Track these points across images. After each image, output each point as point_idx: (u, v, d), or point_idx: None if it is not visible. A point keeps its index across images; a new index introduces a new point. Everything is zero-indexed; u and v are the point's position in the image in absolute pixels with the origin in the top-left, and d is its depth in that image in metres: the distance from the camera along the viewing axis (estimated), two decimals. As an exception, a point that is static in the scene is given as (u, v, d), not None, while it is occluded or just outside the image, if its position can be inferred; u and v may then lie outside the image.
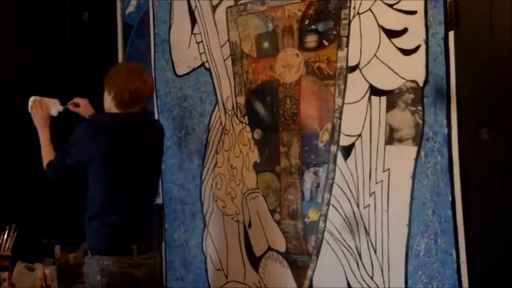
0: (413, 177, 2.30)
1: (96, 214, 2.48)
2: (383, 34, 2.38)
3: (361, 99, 2.44)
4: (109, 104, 2.53)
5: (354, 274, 2.46)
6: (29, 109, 2.73)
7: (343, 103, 2.49)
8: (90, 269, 2.44)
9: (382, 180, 2.39)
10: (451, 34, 2.23)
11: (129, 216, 2.48)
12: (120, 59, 3.31)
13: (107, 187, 2.48)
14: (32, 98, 2.74)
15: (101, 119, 2.55)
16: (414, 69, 2.31)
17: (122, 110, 2.50)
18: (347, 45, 2.48)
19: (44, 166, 2.61)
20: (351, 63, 2.46)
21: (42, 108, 2.70)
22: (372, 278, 2.41)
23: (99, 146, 2.45)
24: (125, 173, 2.48)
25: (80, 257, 3.03)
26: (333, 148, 2.52)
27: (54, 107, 2.75)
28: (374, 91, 2.41)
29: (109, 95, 2.51)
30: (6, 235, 2.91)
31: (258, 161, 2.74)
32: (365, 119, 2.43)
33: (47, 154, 2.62)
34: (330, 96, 2.53)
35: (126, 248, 2.42)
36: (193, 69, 2.97)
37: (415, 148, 2.30)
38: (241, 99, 2.80)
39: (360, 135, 2.44)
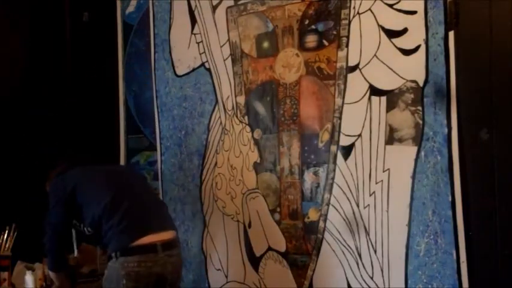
0: (413, 177, 2.30)
1: (107, 217, 2.44)
2: (383, 34, 2.38)
3: (361, 99, 2.44)
4: None
5: (354, 274, 2.46)
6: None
7: (343, 103, 2.49)
8: (114, 274, 2.38)
9: (382, 180, 2.38)
10: (451, 34, 2.23)
11: (138, 203, 2.50)
12: (120, 59, 3.30)
13: (100, 193, 2.49)
14: None
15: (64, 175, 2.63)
16: (414, 69, 2.31)
17: None
18: (347, 45, 2.48)
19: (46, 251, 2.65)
20: (351, 63, 2.47)
21: None
22: (372, 278, 2.41)
23: (71, 179, 2.55)
24: (108, 182, 2.54)
25: (80, 257, 3.02)
26: (333, 148, 2.51)
27: None
28: (374, 91, 2.41)
29: None
30: (6, 235, 2.90)
31: (258, 161, 2.74)
32: (365, 119, 2.43)
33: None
34: (330, 96, 2.53)
35: (151, 245, 2.38)
36: (193, 69, 2.97)
37: (415, 148, 2.30)
38: (241, 99, 2.80)
39: (360, 135, 2.44)
